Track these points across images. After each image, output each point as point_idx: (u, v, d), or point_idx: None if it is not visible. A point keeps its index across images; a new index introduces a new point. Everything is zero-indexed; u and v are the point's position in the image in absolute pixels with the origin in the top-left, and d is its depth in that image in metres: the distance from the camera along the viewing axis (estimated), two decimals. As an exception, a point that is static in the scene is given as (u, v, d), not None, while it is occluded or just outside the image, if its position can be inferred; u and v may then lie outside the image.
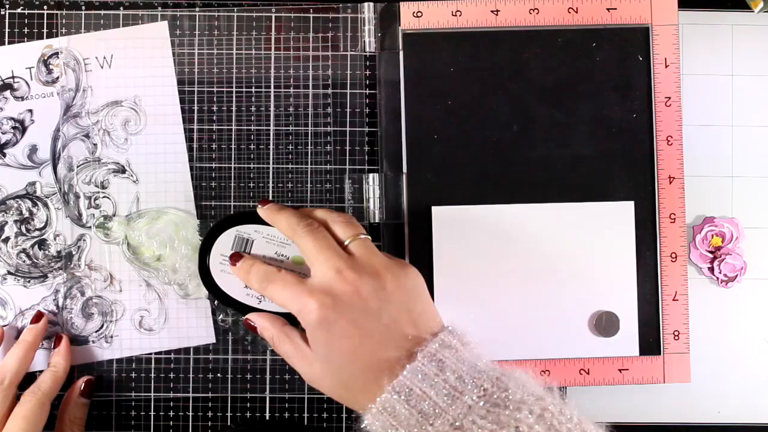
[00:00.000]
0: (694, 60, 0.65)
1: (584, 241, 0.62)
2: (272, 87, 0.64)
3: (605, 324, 0.62)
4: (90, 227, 0.63)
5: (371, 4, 0.63)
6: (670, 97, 0.62)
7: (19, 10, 0.64)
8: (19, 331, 0.62)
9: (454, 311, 0.60)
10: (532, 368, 0.61)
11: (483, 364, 0.49)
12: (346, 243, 0.54)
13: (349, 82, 0.64)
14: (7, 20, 0.64)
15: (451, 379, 0.48)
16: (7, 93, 0.63)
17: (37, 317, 0.62)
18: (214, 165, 0.64)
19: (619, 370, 0.62)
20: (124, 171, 0.63)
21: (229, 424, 0.63)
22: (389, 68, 0.63)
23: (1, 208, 0.63)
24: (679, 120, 0.62)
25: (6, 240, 0.63)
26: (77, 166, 0.63)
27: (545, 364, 0.62)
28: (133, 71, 0.64)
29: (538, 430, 0.45)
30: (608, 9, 0.63)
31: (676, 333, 0.62)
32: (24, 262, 0.63)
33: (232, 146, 0.64)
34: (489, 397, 0.47)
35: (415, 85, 0.63)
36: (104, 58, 0.64)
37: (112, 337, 0.63)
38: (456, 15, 0.63)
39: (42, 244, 0.63)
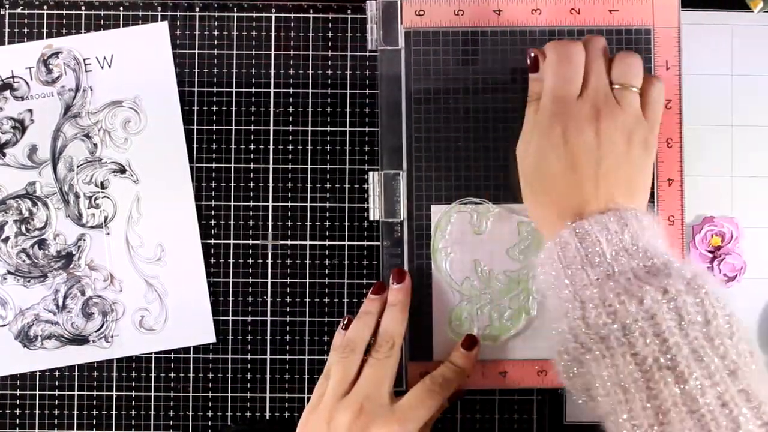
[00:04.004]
0: (694, 60, 0.64)
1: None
2: (272, 87, 0.64)
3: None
4: (90, 227, 0.63)
5: (374, 1, 0.63)
6: (670, 100, 0.62)
7: (19, 10, 0.64)
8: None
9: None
10: (531, 368, 0.61)
11: (663, 246, 0.51)
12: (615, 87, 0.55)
13: (349, 81, 0.64)
14: (7, 20, 0.64)
15: (627, 241, 0.49)
16: (7, 93, 0.63)
17: (380, 288, 0.61)
18: (214, 165, 0.64)
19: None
20: (124, 171, 0.63)
21: (228, 423, 0.63)
22: (390, 66, 0.63)
23: (1, 208, 0.63)
24: (679, 122, 0.62)
25: (6, 240, 0.63)
26: (77, 166, 0.63)
27: (543, 364, 0.62)
28: (134, 71, 0.64)
29: (685, 299, 0.46)
30: (610, 11, 0.63)
31: (675, 335, 0.62)
32: (24, 261, 0.63)
33: (232, 146, 0.64)
34: (652, 268, 0.48)
35: (416, 83, 0.63)
36: (104, 58, 0.64)
37: (112, 336, 0.63)
38: (458, 14, 0.63)
39: (42, 243, 0.63)
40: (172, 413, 0.64)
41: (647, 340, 0.45)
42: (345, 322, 0.60)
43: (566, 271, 0.50)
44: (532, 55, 0.57)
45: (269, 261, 0.64)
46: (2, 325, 0.63)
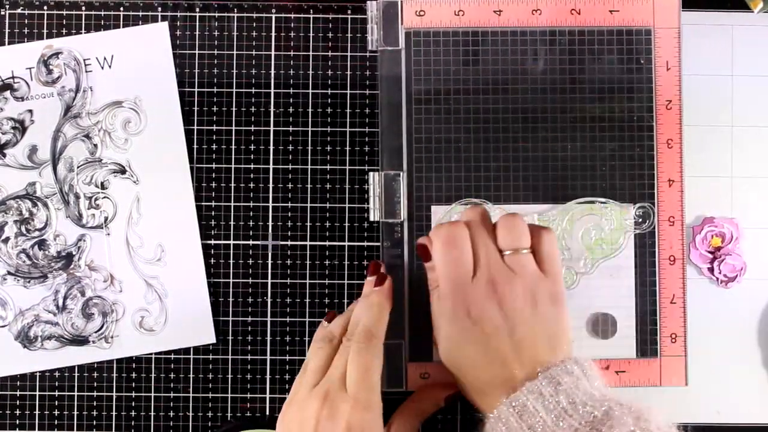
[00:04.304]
0: (694, 60, 0.64)
1: (582, 242, 0.62)
2: (272, 87, 0.64)
3: (602, 326, 0.63)
4: (90, 227, 0.63)
5: (374, 2, 0.63)
6: (671, 100, 0.62)
7: (19, 11, 0.64)
8: None
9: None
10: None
11: (600, 394, 0.50)
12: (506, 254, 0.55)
13: (349, 82, 0.64)
14: (7, 20, 0.64)
15: (564, 402, 0.49)
16: (7, 93, 0.63)
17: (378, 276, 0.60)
18: (214, 165, 0.64)
19: (616, 372, 0.62)
20: (124, 171, 0.63)
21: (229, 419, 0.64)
22: (390, 67, 0.63)
23: (1, 209, 0.63)
24: (679, 123, 0.62)
25: (6, 240, 0.63)
26: (77, 167, 0.63)
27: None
28: (134, 72, 0.64)
29: None
30: (610, 11, 0.63)
31: (674, 336, 0.62)
32: (24, 262, 0.63)
33: (232, 146, 0.64)
34: (596, 423, 0.48)
35: (416, 83, 0.63)
36: (105, 58, 0.64)
37: (112, 337, 0.63)
38: (459, 15, 0.63)
39: (42, 244, 0.63)
40: (172, 413, 0.64)
41: None
42: (328, 317, 0.60)
43: None
44: (421, 244, 0.57)
45: (269, 261, 0.64)
46: (2, 326, 0.63)
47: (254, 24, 0.64)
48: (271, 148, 0.64)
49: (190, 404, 0.64)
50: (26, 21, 0.64)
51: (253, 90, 0.64)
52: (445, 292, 0.54)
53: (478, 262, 0.54)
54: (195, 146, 0.64)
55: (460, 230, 0.55)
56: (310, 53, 0.64)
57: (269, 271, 0.64)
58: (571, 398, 0.49)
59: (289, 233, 0.64)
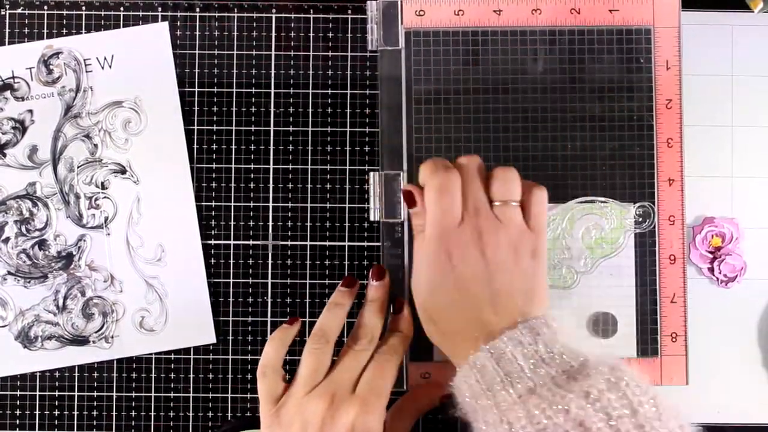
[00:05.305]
0: (693, 60, 0.65)
1: (583, 242, 0.62)
2: (272, 87, 0.64)
3: (602, 325, 0.63)
4: (90, 227, 0.63)
5: (374, 2, 0.63)
6: (671, 100, 0.62)
7: (19, 11, 0.64)
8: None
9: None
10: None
11: (576, 347, 0.51)
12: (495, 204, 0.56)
13: (349, 82, 0.64)
14: (7, 20, 0.64)
15: (542, 350, 0.50)
16: (8, 93, 0.63)
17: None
18: (214, 165, 0.64)
19: (618, 371, 0.63)
20: (124, 171, 0.63)
21: (229, 419, 0.64)
22: (391, 66, 0.63)
23: (1, 209, 0.63)
24: (680, 122, 0.62)
25: (6, 240, 0.63)
26: (78, 167, 0.63)
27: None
28: (134, 72, 0.64)
29: (609, 396, 0.46)
30: (610, 10, 0.63)
31: (674, 335, 0.62)
32: (24, 262, 0.63)
33: (232, 146, 0.64)
34: (573, 372, 0.49)
35: (416, 83, 0.63)
36: (105, 58, 0.64)
37: (112, 337, 0.63)
38: (458, 14, 0.63)
39: (42, 244, 0.63)
40: (172, 413, 0.64)
41: None
42: (346, 282, 0.61)
43: (487, 393, 0.50)
44: (407, 191, 0.58)
45: (269, 261, 0.64)
46: (2, 326, 0.63)
47: (254, 24, 0.64)
48: (271, 148, 0.64)
49: (190, 404, 0.64)
50: (26, 21, 0.64)
51: (253, 90, 0.64)
52: (430, 237, 0.55)
53: (466, 209, 0.55)
54: (195, 146, 0.64)
55: (454, 177, 0.56)
56: (310, 53, 0.64)
57: (269, 271, 0.64)
58: (549, 348, 0.50)
59: (289, 233, 0.64)
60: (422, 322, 0.57)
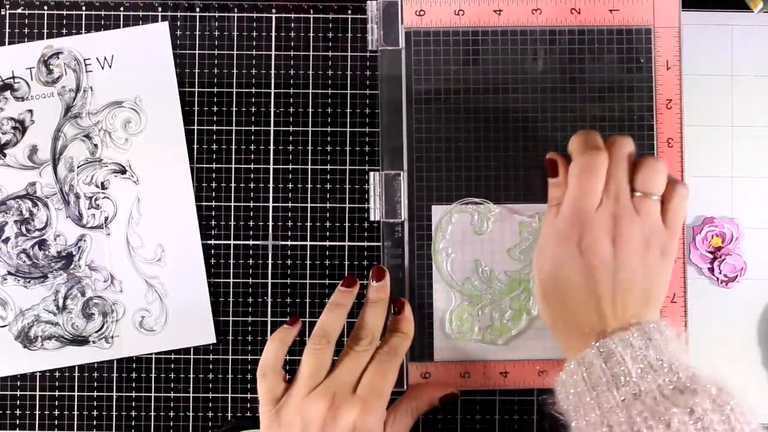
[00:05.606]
0: (694, 60, 0.65)
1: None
2: (272, 87, 0.64)
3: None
4: (90, 227, 0.63)
5: (374, 1, 0.63)
6: (671, 100, 0.62)
7: (19, 11, 0.64)
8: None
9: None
10: (531, 368, 0.61)
11: (687, 358, 0.51)
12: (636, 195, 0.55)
13: (349, 82, 0.64)
14: (7, 20, 0.64)
15: (652, 357, 0.49)
16: (8, 93, 0.63)
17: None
18: (214, 165, 0.64)
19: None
20: (124, 171, 0.63)
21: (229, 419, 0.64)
22: (391, 66, 0.63)
23: (2, 209, 0.63)
24: (680, 122, 0.62)
25: (6, 240, 0.63)
26: (78, 167, 0.63)
27: (544, 364, 0.62)
28: (134, 72, 0.64)
29: (712, 417, 0.46)
30: (611, 10, 0.63)
31: (675, 335, 0.62)
32: (24, 262, 0.63)
33: (232, 146, 0.64)
34: (680, 384, 0.48)
35: (416, 83, 0.63)
36: (105, 58, 0.64)
37: (112, 337, 0.63)
38: (459, 14, 0.63)
39: (42, 244, 0.63)
40: (172, 413, 0.64)
41: None
42: (347, 282, 0.61)
43: (591, 392, 0.50)
44: (551, 159, 0.58)
45: (269, 261, 0.64)
46: (2, 326, 0.63)
47: (254, 24, 0.64)
48: (271, 148, 0.64)
49: (190, 404, 0.64)
50: (26, 21, 0.64)
51: (253, 90, 0.64)
52: (565, 214, 0.55)
53: (608, 192, 0.55)
54: (195, 146, 0.64)
55: (602, 159, 0.55)
56: (310, 53, 0.64)
57: (269, 271, 0.64)
58: (660, 356, 0.50)
59: (289, 233, 0.64)
60: (538, 301, 0.57)
